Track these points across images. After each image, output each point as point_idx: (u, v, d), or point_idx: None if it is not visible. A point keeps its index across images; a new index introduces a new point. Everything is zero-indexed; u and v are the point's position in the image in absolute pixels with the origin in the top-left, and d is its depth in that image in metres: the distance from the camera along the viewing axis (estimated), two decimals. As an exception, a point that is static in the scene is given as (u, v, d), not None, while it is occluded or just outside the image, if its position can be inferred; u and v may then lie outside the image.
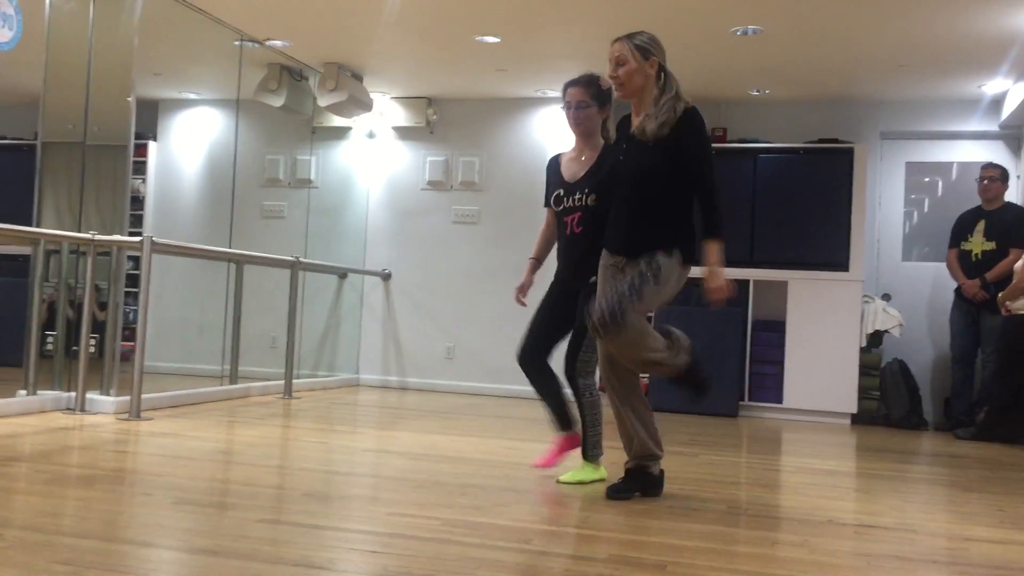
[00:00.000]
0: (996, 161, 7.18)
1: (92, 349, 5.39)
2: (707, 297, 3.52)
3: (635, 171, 3.58)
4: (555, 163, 4.09)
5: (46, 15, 5.57)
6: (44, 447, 4.32)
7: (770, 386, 7.27)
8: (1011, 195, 7.11)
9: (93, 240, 5.37)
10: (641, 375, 3.80)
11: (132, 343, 5.48)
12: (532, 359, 4.02)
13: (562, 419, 4.07)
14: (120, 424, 5.03)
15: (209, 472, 3.91)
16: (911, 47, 6.18)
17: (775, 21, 5.81)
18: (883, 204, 7.75)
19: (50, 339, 5.57)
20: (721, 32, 6.03)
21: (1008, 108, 7.00)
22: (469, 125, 8.21)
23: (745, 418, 7.15)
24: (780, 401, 7.23)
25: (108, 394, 5.46)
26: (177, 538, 2.84)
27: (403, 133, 8.35)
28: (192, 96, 7.96)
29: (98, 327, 5.49)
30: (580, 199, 3.90)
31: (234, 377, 6.79)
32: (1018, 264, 6.40)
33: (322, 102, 7.55)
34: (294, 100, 7.56)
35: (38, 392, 5.38)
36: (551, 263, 4.14)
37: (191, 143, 7.96)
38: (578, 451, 4.02)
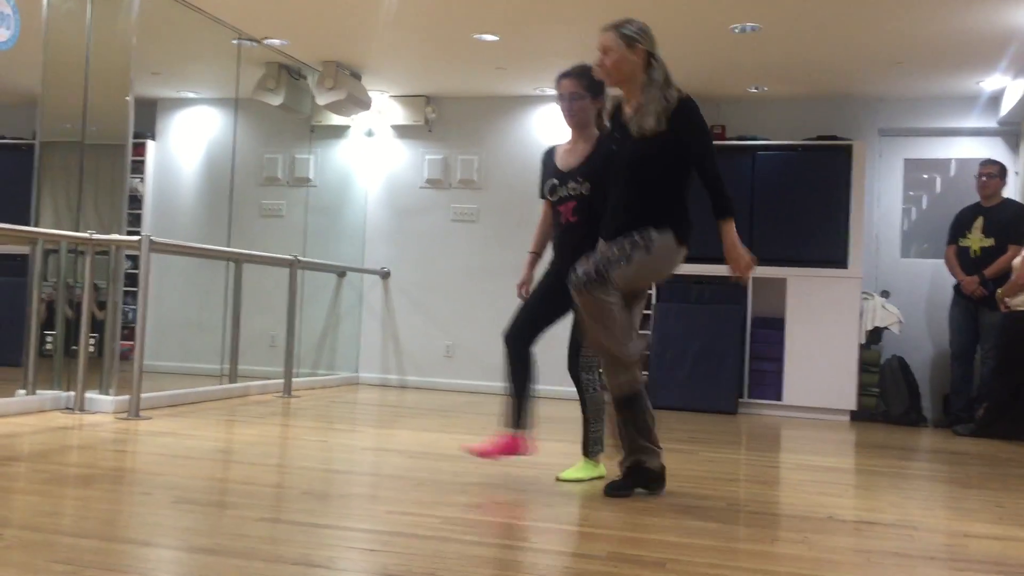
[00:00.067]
0: (994, 157, 7.18)
1: (91, 348, 5.38)
2: (733, 272, 3.52)
3: (630, 160, 3.58)
4: (550, 154, 4.07)
5: (44, 14, 5.56)
6: (43, 446, 4.32)
7: (769, 383, 7.27)
8: (1009, 191, 7.11)
9: (91, 239, 5.37)
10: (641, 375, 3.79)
11: (131, 342, 5.49)
12: (518, 339, 3.90)
13: (518, 416, 3.92)
14: (119, 423, 5.03)
15: (208, 471, 3.91)
16: (909, 44, 6.18)
17: (773, 18, 5.80)
18: (882, 201, 7.74)
19: (49, 339, 5.56)
20: (720, 30, 6.02)
21: (1006, 104, 7.00)
22: (468, 123, 8.21)
23: (744, 415, 7.15)
24: (779, 398, 7.23)
25: (107, 393, 5.46)
26: (176, 537, 2.84)
27: (402, 131, 8.35)
28: (190, 95, 7.95)
29: (97, 326, 5.49)
30: (575, 188, 3.88)
31: (233, 376, 6.79)
32: (1016, 260, 6.39)
33: (320, 101, 7.55)
34: (292, 99, 7.55)
35: (37, 391, 5.38)
36: (551, 257, 4.12)
37: (189, 142, 7.95)
38: (576, 453, 3.99)
